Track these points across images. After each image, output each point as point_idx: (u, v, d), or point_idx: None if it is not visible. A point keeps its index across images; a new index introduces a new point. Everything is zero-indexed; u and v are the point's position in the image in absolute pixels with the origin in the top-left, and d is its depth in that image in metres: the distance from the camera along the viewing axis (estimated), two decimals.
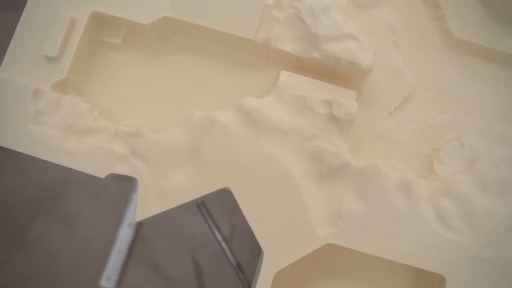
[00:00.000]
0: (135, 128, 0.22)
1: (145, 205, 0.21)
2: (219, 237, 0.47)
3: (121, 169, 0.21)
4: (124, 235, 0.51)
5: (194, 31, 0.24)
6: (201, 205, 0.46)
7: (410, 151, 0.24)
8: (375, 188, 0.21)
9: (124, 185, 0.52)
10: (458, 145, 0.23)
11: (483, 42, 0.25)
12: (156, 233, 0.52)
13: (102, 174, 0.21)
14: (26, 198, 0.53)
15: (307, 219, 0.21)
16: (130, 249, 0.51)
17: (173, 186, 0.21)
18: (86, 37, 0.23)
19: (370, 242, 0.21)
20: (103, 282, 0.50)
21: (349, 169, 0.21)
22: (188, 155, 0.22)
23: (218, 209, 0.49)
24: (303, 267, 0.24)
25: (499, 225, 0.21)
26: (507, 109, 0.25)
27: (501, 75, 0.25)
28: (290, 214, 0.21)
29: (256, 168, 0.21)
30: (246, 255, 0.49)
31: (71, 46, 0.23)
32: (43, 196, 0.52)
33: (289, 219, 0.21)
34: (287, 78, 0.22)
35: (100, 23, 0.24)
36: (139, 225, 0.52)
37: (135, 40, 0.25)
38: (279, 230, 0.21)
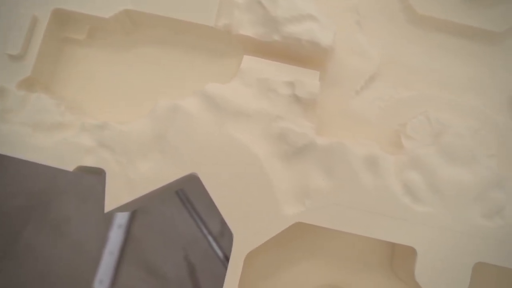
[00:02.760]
0: (101, 120, 0.22)
1: (113, 195, 0.21)
2: (205, 231, 0.47)
3: (89, 161, 0.22)
4: (115, 236, 0.51)
5: (156, 22, 0.24)
6: (187, 202, 0.47)
7: (378, 128, 0.24)
8: (341, 164, 0.21)
9: None
10: (424, 119, 0.23)
11: (445, 17, 0.25)
12: (147, 232, 0.52)
13: (70, 168, 0.22)
14: (16, 205, 0.53)
15: (275, 199, 0.21)
16: (122, 251, 0.51)
17: (140, 174, 0.21)
18: (50, 35, 0.23)
19: (339, 218, 0.21)
20: (96, 285, 0.50)
21: (314, 147, 0.22)
22: (154, 143, 0.22)
23: (206, 206, 0.49)
24: (279, 248, 0.24)
25: (466, 194, 0.21)
26: (472, 80, 0.25)
27: (464, 48, 0.25)
28: (258, 195, 0.21)
29: (221, 152, 0.21)
30: None
31: (35, 44, 0.23)
32: (33, 203, 0.53)
33: (257, 201, 0.21)
34: (250, 62, 0.23)
35: (63, 20, 0.24)
36: (130, 226, 0.52)
37: (100, 35, 0.25)
38: (247, 212, 0.21)
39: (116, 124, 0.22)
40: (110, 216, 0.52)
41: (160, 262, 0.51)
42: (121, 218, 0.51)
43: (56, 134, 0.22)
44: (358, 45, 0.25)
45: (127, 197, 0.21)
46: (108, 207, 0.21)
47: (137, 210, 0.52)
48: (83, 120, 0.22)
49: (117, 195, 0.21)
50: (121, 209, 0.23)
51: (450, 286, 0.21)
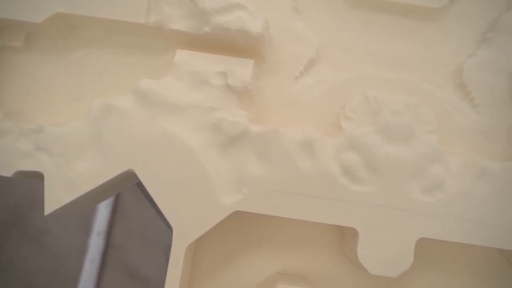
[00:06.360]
0: (37, 124, 0.22)
1: (52, 197, 0.21)
2: None
3: (27, 166, 0.22)
4: (95, 244, 0.51)
5: (90, 24, 0.24)
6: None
7: (320, 112, 0.24)
8: (276, 150, 0.21)
9: None
10: (362, 99, 0.23)
11: None
12: (127, 237, 0.52)
13: (9, 173, 0.22)
14: None
15: (212, 190, 0.21)
16: (103, 258, 0.51)
17: (78, 174, 0.21)
18: None
19: (277, 204, 0.21)
20: None
21: (249, 135, 0.22)
22: (91, 143, 0.22)
23: None
24: (228, 241, 0.24)
25: (404, 170, 0.21)
26: (412, 58, 0.25)
27: (403, 26, 0.25)
28: (195, 187, 0.21)
29: (157, 147, 0.21)
30: None
31: None
32: (12, 218, 0.53)
33: (194, 193, 0.21)
34: (183, 56, 0.23)
35: None
36: (109, 233, 0.52)
37: (37, 41, 0.25)
38: (185, 204, 0.21)
39: (52, 127, 0.22)
40: (89, 224, 0.52)
41: (142, 266, 0.51)
42: (100, 225, 0.51)
43: None
44: (295, 32, 0.25)
45: (66, 198, 0.21)
46: (48, 209, 0.21)
47: (116, 216, 0.52)
48: (21, 126, 0.22)
49: (56, 196, 0.21)
50: (64, 210, 0.23)
51: (394, 264, 0.21)
